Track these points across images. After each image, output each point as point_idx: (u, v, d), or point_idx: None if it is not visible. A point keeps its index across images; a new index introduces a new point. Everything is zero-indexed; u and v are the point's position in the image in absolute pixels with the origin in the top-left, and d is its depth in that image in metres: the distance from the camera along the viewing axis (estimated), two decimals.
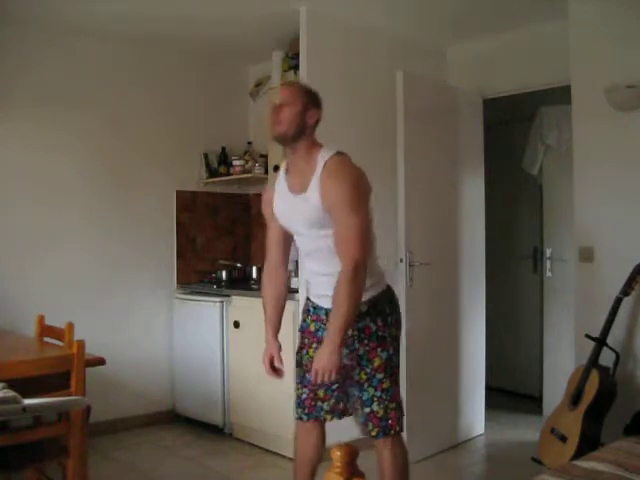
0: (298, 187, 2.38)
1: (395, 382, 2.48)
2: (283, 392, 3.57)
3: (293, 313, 3.77)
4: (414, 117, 3.78)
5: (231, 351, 4.29)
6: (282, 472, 3.68)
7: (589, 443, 3.08)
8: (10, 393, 2.03)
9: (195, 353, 4.49)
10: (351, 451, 1.43)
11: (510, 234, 5.43)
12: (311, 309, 2.58)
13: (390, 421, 2.43)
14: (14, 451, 2.45)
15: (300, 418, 2.58)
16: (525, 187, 5.25)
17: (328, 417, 2.55)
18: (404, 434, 2.54)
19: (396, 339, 2.52)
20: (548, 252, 4.82)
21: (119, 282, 4.46)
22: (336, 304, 2.26)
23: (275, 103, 2.38)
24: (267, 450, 4.03)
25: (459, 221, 4.22)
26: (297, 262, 3.81)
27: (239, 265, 4.92)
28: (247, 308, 4.07)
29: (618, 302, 3.27)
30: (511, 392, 5.27)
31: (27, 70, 4.04)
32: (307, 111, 2.36)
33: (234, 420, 4.30)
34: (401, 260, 3.71)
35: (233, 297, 4.27)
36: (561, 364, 4.34)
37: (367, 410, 2.43)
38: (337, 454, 1.42)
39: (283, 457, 3.89)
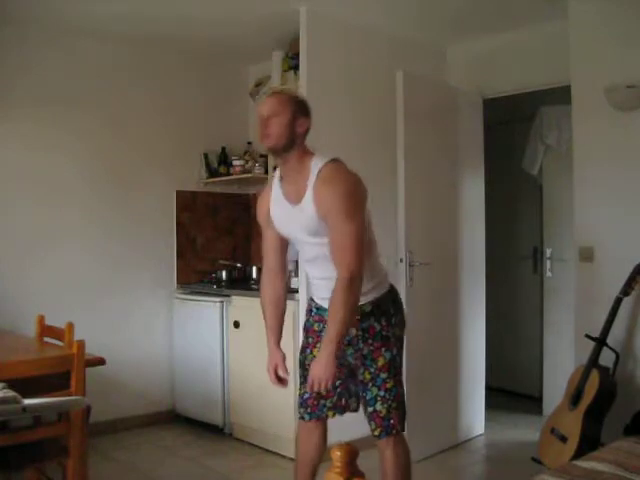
0: (293, 196, 2.36)
1: (399, 382, 2.49)
2: (283, 392, 3.55)
3: (293, 313, 3.77)
4: (414, 117, 3.78)
5: (231, 351, 4.29)
6: (282, 472, 3.68)
7: (589, 443, 3.08)
8: (10, 393, 2.04)
9: (195, 353, 4.49)
10: (351, 451, 1.43)
11: (510, 234, 5.42)
12: (314, 309, 2.59)
13: (392, 421, 2.44)
14: (14, 451, 2.45)
15: (302, 418, 2.58)
16: (525, 187, 5.25)
17: (330, 414, 2.56)
18: (404, 434, 2.54)
19: (400, 339, 2.52)
20: (548, 252, 4.82)
21: (119, 282, 4.46)
22: (331, 313, 2.26)
23: (263, 115, 2.32)
24: (267, 450, 4.03)
25: (459, 221, 4.22)
26: (297, 262, 3.81)
27: (239, 265, 4.92)
28: (247, 308, 4.07)
29: (618, 302, 3.27)
30: (511, 392, 5.27)
31: (27, 70, 4.04)
32: (296, 120, 2.31)
33: (234, 420, 4.30)
34: (401, 260, 3.72)
35: (233, 297, 4.28)
36: (561, 364, 4.35)
37: (370, 410, 2.45)
38: (337, 454, 1.42)
39: (283, 457, 3.89)
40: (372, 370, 2.44)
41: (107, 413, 4.20)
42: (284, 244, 2.54)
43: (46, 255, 4.13)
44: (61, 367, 2.56)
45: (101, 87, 4.36)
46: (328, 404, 2.53)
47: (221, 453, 4.04)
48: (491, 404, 4.53)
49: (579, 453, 2.92)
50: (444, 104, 4.11)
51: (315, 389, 2.28)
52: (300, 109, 2.34)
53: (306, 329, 2.63)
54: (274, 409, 3.91)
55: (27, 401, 2.06)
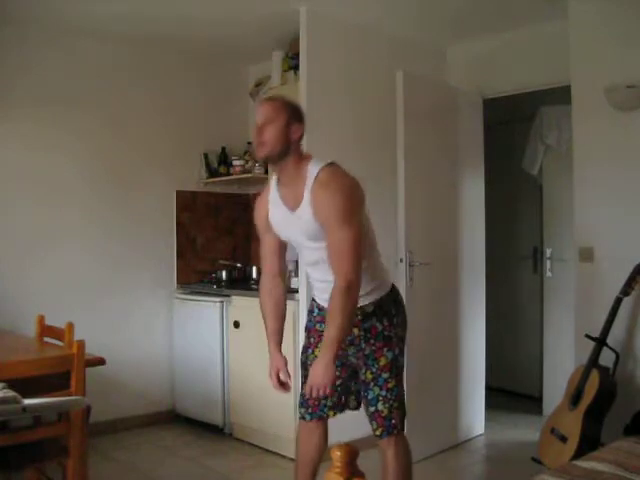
0: (291, 201, 2.35)
1: (400, 382, 2.50)
2: None
3: (293, 313, 3.77)
4: (414, 117, 3.78)
5: (231, 351, 4.29)
6: (282, 472, 3.68)
7: (589, 443, 3.08)
8: (10, 393, 2.04)
9: (195, 353, 4.49)
10: (351, 451, 1.43)
11: (510, 234, 5.43)
12: (316, 310, 2.59)
13: (394, 420, 2.45)
14: (14, 451, 2.45)
15: (303, 418, 2.59)
16: (525, 187, 5.25)
17: (331, 413, 2.57)
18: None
19: (402, 340, 2.53)
20: (548, 252, 4.82)
21: (119, 282, 4.46)
22: (329, 320, 2.26)
23: (257, 122, 2.30)
24: (267, 450, 4.03)
25: (459, 221, 4.22)
26: (297, 262, 3.81)
27: (239, 265, 4.92)
28: (247, 308, 4.07)
29: (618, 302, 3.27)
30: (511, 392, 5.27)
31: (27, 70, 4.04)
32: (290, 126, 2.30)
33: (234, 420, 4.30)
34: (401, 260, 3.71)
35: (233, 297, 4.28)
36: (561, 364, 4.35)
37: (372, 409, 2.46)
38: (337, 454, 1.42)
39: (283, 457, 3.89)
40: (374, 370, 2.44)
41: (107, 413, 4.20)
42: (282, 248, 2.54)
43: (46, 255, 4.13)
44: (61, 367, 2.56)
45: (101, 87, 4.36)
46: (329, 403, 2.54)
47: (221, 453, 4.04)
48: (491, 404, 4.53)
49: (579, 453, 2.92)
50: (444, 104, 4.11)
51: (314, 395, 2.29)
52: (294, 115, 2.33)
53: (308, 329, 2.63)
54: (274, 409, 3.91)
55: (27, 401, 2.06)
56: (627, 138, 3.43)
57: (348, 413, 2.65)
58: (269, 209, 2.45)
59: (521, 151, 4.97)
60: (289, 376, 2.51)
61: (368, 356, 2.45)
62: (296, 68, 4.15)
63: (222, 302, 4.33)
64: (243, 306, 4.16)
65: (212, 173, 4.85)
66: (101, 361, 2.81)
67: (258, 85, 4.97)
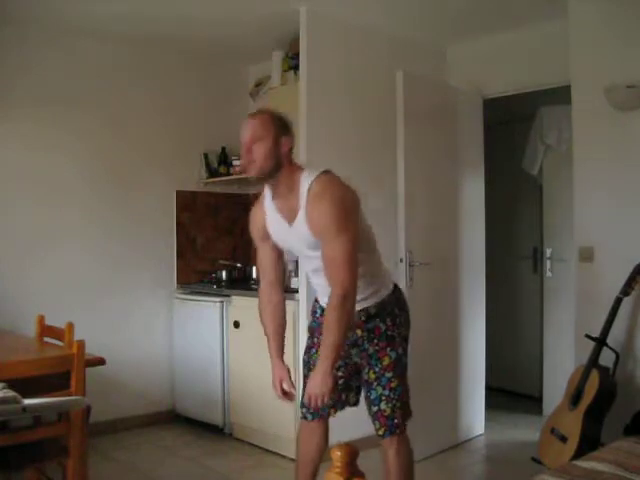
0: (287, 214, 2.34)
1: (403, 382, 2.50)
2: None
3: (293, 313, 3.77)
4: (414, 117, 3.78)
5: (231, 351, 4.29)
6: (282, 472, 3.68)
7: (589, 443, 3.08)
8: (10, 393, 2.04)
9: (195, 353, 4.49)
10: (351, 451, 1.43)
11: (510, 234, 5.43)
12: (318, 311, 2.59)
13: (396, 420, 2.46)
14: (14, 451, 2.45)
15: (305, 417, 2.59)
16: (525, 187, 5.25)
17: (332, 412, 2.58)
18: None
19: (405, 339, 2.54)
20: (548, 252, 4.82)
21: (119, 282, 4.46)
22: (326, 331, 2.26)
23: (245, 140, 2.26)
24: (267, 450, 4.03)
25: (459, 221, 4.22)
26: (297, 262, 3.81)
27: (239, 265, 4.92)
28: (247, 308, 4.07)
29: (618, 302, 3.27)
30: (511, 392, 5.27)
31: (27, 70, 4.04)
32: (279, 141, 2.26)
33: (234, 420, 4.30)
34: (401, 260, 3.71)
35: (233, 297, 4.27)
36: (561, 364, 4.34)
37: (375, 409, 2.47)
38: (337, 454, 1.42)
39: (283, 457, 3.89)
40: (377, 370, 2.45)
41: (107, 413, 4.20)
42: (280, 257, 2.53)
43: (46, 255, 4.13)
44: (61, 367, 2.56)
45: (101, 87, 4.36)
46: (330, 403, 2.54)
47: (221, 453, 4.04)
48: (491, 404, 4.53)
49: (579, 453, 2.92)
50: (444, 104, 4.11)
51: (313, 405, 2.31)
52: (282, 129, 2.29)
53: (311, 329, 2.63)
54: (274, 409, 3.91)
55: (27, 401, 2.06)
56: (627, 138, 3.43)
57: (348, 413, 2.66)
58: (266, 221, 2.43)
59: (521, 151, 4.97)
60: (293, 385, 2.51)
61: (371, 356, 2.46)
62: (296, 68, 4.15)
63: (222, 302, 4.33)
64: (243, 306, 4.16)
65: (212, 173, 4.85)
66: (101, 361, 2.80)
67: (258, 85, 4.97)
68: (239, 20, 4.03)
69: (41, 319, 3.18)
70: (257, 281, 4.50)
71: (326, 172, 2.33)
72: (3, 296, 3.90)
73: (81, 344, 2.56)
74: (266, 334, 2.55)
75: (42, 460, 2.67)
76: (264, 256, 2.52)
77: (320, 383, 2.25)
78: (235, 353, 4.26)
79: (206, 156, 4.86)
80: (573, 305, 3.74)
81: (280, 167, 2.28)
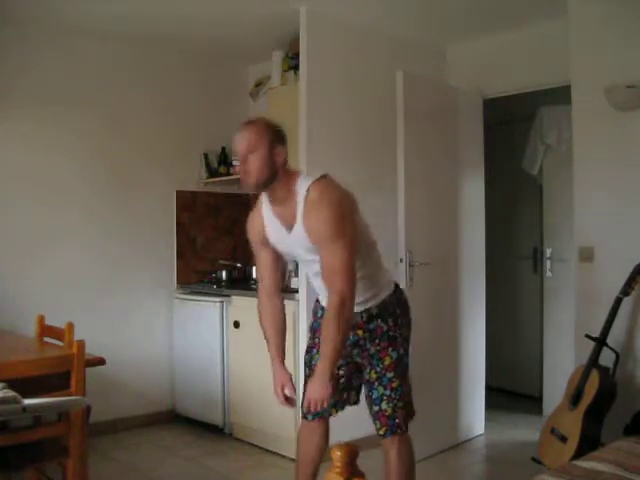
0: (286, 221, 2.34)
1: (405, 382, 2.51)
2: None
3: (293, 313, 3.77)
4: (414, 117, 3.78)
5: (231, 351, 4.29)
6: (282, 472, 3.68)
7: (589, 443, 3.08)
8: (10, 393, 2.04)
9: (195, 353, 4.49)
10: (351, 451, 1.43)
11: (510, 234, 5.43)
12: (320, 311, 2.59)
13: (397, 420, 2.46)
14: (14, 451, 2.45)
15: (305, 417, 2.59)
16: (525, 187, 5.25)
17: (333, 411, 2.58)
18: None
19: (407, 340, 2.54)
20: (548, 252, 4.82)
21: (119, 282, 4.46)
22: (324, 339, 2.28)
23: (238, 151, 2.25)
24: (267, 450, 4.03)
25: (459, 221, 4.22)
26: (297, 262, 3.81)
27: (239, 265, 4.92)
28: (247, 308, 4.07)
29: (618, 302, 3.27)
30: (511, 392, 5.27)
31: (27, 70, 4.04)
32: (274, 151, 2.25)
33: (234, 420, 4.30)
34: (401, 260, 3.71)
35: (233, 297, 4.27)
36: (561, 364, 4.34)
37: (376, 409, 2.47)
38: (337, 454, 1.42)
39: (283, 457, 3.89)
40: (378, 369, 2.46)
41: (107, 413, 4.20)
42: (278, 261, 2.53)
43: (46, 255, 4.13)
44: (61, 367, 2.56)
45: (101, 87, 4.36)
46: (331, 402, 2.54)
47: (221, 453, 4.04)
48: (491, 404, 4.53)
49: (579, 453, 2.92)
50: (444, 104, 4.11)
51: (312, 410, 2.33)
52: (276, 138, 2.27)
53: (313, 329, 2.63)
54: (274, 409, 3.88)
55: (27, 401, 2.06)
56: (627, 138, 3.43)
57: (349, 413, 2.66)
58: (265, 227, 2.42)
59: (521, 151, 4.97)
60: (294, 390, 2.51)
61: (373, 356, 2.46)
62: (296, 68, 4.15)
63: (222, 302, 4.33)
64: (243, 306, 4.16)
65: (212, 173, 4.85)
66: (101, 361, 2.81)
67: (258, 85, 4.97)
68: (239, 20, 4.03)
69: (41, 319, 3.18)
70: (257, 281, 4.52)
71: (323, 177, 2.32)
72: (3, 296, 3.90)
73: (81, 344, 2.56)
74: (266, 338, 2.54)
75: (42, 460, 2.67)
76: (262, 261, 2.52)
77: (319, 389, 2.27)
78: (235, 353, 4.26)
79: (206, 156, 4.86)
80: (573, 305, 3.74)
81: (276, 176, 2.27)
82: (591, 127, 3.58)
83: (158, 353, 4.65)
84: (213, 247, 4.95)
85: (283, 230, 2.36)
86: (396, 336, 2.48)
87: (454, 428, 4.16)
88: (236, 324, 4.21)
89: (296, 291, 3.86)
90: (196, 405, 4.50)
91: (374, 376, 2.47)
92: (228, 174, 4.78)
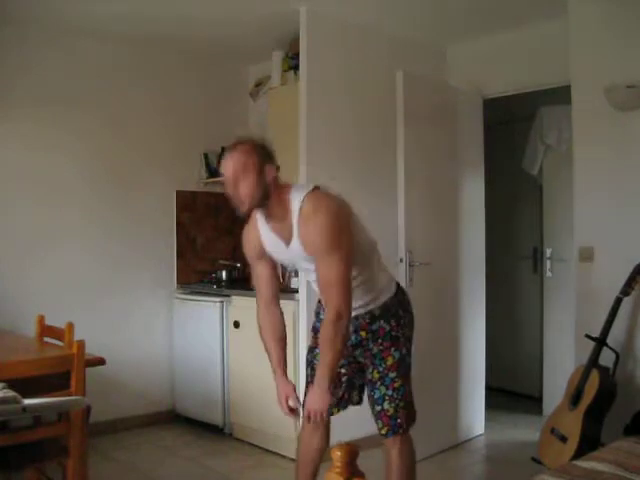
0: (283, 235, 2.33)
1: (407, 382, 2.51)
2: None
3: (293, 313, 3.77)
4: (414, 117, 3.78)
5: (231, 351, 4.29)
6: (282, 472, 3.68)
7: (589, 443, 3.08)
8: (10, 393, 2.04)
9: (195, 353, 4.49)
10: (351, 451, 1.43)
11: (510, 234, 5.43)
12: (321, 312, 2.59)
13: (399, 420, 2.46)
14: (14, 451, 2.45)
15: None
16: (525, 187, 5.25)
17: (335, 411, 2.58)
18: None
19: (409, 340, 2.55)
20: (548, 252, 4.82)
21: (119, 282, 4.46)
22: (321, 352, 2.31)
23: (227, 176, 2.22)
24: (267, 450, 4.03)
25: (459, 221, 4.22)
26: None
27: (239, 265, 4.91)
28: (247, 308, 4.06)
29: (618, 302, 3.27)
30: (511, 392, 5.27)
31: (27, 70, 4.04)
32: (263, 171, 2.22)
33: (234, 420, 4.30)
34: (401, 260, 3.71)
35: (233, 297, 4.27)
36: (561, 364, 4.34)
37: (378, 408, 2.47)
38: (337, 454, 1.42)
39: (283, 457, 3.89)
40: (381, 369, 2.46)
41: (107, 413, 4.20)
42: (274, 272, 2.53)
43: (46, 255, 4.13)
44: (61, 367, 2.56)
45: (101, 87, 4.36)
46: (333, 401, 2.54)
47: (221, 453, 4.04)
48: (491, 404, 4.53)
49: (579, 453, 2.92)
50: (444, 104, 4.11)
51: (312, 420, 2.34)
52: (263, 157, 2.25)
53: (315, 330, 2.63)
54: (274, 409, 3.87)
55: (27, 401, 2.06)
56: (627, 138, 3.43)
57: (350, 413, 2.66)
58: (262, 240, 2.42)
59: (521, 151, 4.97)
60: (299, 401, 2.50)
61: (375, 355, 2.47)
62: (296, 68, 4.15)
63: (222, 302, 4.33)
64: (243, 306, 4.16)
65: (212, 173, 4.84)
66: (101, 361, 2.80)
67: (258, 85, 4.97)
68: (239, 20, 4.03)
69: (41, 319, 3.18)
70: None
71: (315, 188, 2.32)
72: (3, 296, 3.90)
73: (81, 344, 2.56)
74: (267, 351, 2.54)
75: (42, 460, 2.67)
76: (259, 274, 2.51)
77: (318, 399, 2.30)
78: (235, 353, 4.26)
79: (206, 156, 4.86)
80: (573, 305, 3.74)
81: (269, 195, 2.26)
82: (591, 127, 3.58)
83: (158, 353, 4.65)
84: (213, 247, 4.95)
85: (281, 244, 2.36)
86: (399, 336, 2.48)
87: (454, 428, 4.16)
88: (236, 324, 4.21)
89: (296, 291, 3.86)
90: (196, 405, 4.50)
91: (376, 376, 2.47)
92: None
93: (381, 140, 4.08)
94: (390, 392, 2.45)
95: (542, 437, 3.43)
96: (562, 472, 1.99)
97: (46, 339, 3.13)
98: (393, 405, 2.45)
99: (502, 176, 5.17)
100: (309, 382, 2.58)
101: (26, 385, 2.28)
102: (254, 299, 2.66)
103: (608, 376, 3.25)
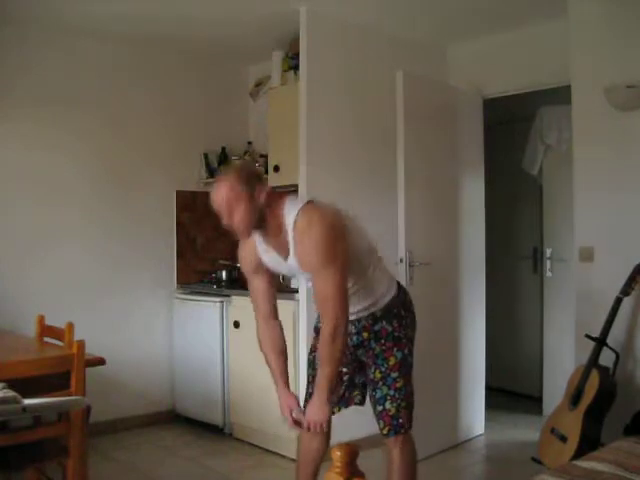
0: (280, 250, 2.34)
1: (409, 382, 2.52)
2: None
3: (293, 313, 3.78)
4: (414, 117, 3.78)
5: (231, 351, 4.29)
6: (282, 472, 3.68)
7: (589, 443, 3.08)
8: (10, 393, 2.03)
9: (195, 353, 4.49)
10: (351, 451, 1.43)
11: (510, 234, 5.42)
12: None
13: (401, 420, 2.47)
14: (14, 451, 2.45)
15: None
16: (525, 187, 5.25)
17: (336, 409, 2.58)
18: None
19: (411, 340, 2.55)
20: (548, 252, 4.82)
21: (119, 282, 4.46)
22: (320, 364, 2.33)
23: (221, 209, 2.24)
24: (267, 450, 4.03)
25: (459, 221, 4.22)
26: None
27: (239, 265, 4.90)
28: (247, 308, 4.00)
29: (618, 302, 3.27)
30: (511, 392, 5.27)
31: (27, 70, 4.04)
32: (253, 196, 2.23)
33: (234, 420, 4.30)
34: (401, 260, 3.71)
35: (233, 297, 4.27)
36: (561, 364, 4.34)
37: (380, 408, 2.48)
38: (337, 454, 1.42)
39: (283, 457, 3.89)
40: (383, 369, 2.47)
41: (107, 413, 4.19)
42: (272, 287, 2.54)
43: (46, 255, 4.13)
44: (61, 367, 2.56)
45: (101, 87, 4.36)
46: (334, 400, 2.54)
47: (221, 453, 4.04)
48: (491, 404, 4.53)
49: (579, 453, 2.92)
50: (444, 104, 4.11)
51: (312, 430, 2.36)
52: (251, 183, 2.24)
53: (317, 330, 2.63)
54: (274, 409, 3.87)
55: (27, 401, 2.05)
56: (627, 138, 3.43)
57: (350, 413, 2.66)
58: (261, 257, 2.43)
59: (521, 151, 4.97)
60: (302, 412, 2.48)
61: (378, 355, 2.47)
62: (296, 68, 4.15)
63: (222, 302, 4.33)
64: (243, 306, 4.15)
65: (212, 173, 4.84)
66: (101, 361, 2.80)
67: (258, 85, 4.97)
68: (239, 20, 4.03)
69: (41, 319, 3.18)
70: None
71: (308, 202, 2.32)
72: (3, 296, 3.90)
73: (81, 344, 2.56)
74: (268, 364, 2.54)
75: (42, 460, 2.67)
76: (256, 288, 2.52)
77: (318, 411, 2.32)
78: (235, 353, 4.26)
79: (206, 156, 4.86)
80: (573, 305, 3.74)
81: (264, 216, 2.28)
82: (591, 127, 3.58)
83: (158, 353, 4.65)
84: (213, 247, 4.95)
85: (279, 258, 2.38)
86: (401, 337, 2.49)
87: (454, 428, 4.16)
88: (236, 324, 4.21)
89: (296, 291, 3.86)
90: (196, 405, 4.50)
91: (379, 376, 2.47)
92: None
93: (381, 140, 4.08)
94: (392, 392, 2.46)
95: (542, 437, 3.43)
96: (562, 472, 1.99)
97: (46, 339, 3.12)
98: (395, 405, 2.46)
99: (502, 176, 5.17)
100: (310, 382, 2.58)
101: (26, 385, 2.28)
102: None
103: (608, 376, 3.26)
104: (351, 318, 2.40)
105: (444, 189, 4.13)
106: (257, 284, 2.51)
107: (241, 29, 4.21)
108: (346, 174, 3.97)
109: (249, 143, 4.92)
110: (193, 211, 4.84)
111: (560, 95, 3.92)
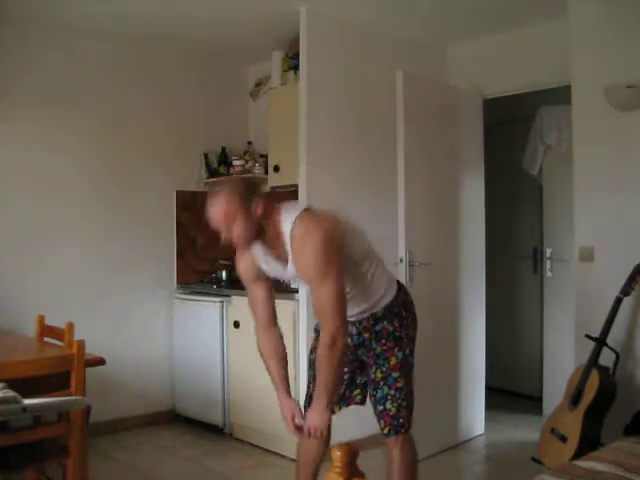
0: (279, 258, 2.35)
1: (409, 382, 2.52)
2: None
3: (293, 313, 3.78)
4: (414, 117, 3.78)
5: (231, 351, 4.29)
6: (282, 472, 3.68)
7: (589, 443, 3.08)
8: (10, 393, 2.03)
9: (195, 353, 4.49)
10: (351, 451, 1.43)
11: (510, 234, 5.43)
12: None
13: (402, 419, 2.47)
14: (14, 451, 2.46)
15: None
16: (525, 187, 5.25)
17: (336, 408, 2.58)
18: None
19: (412, 340, 2.55)
20: (548, 252, 4.82)
21: (119, 282, 4.46)
22: (319, 374, 2.32)
23: (218, 223, 2.24)
24: (267, 450, 4.03)
25: (459, 221, 4.22)
26: None
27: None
28: (247, 308, 4.05)
29: (618, 302, 3.27)
30: (511, 392, 5.27)
31: (27, 70, 4.04)
32: (249, 209, 2.23)
33: (234, 420, 4.30)
34: (401, 260, 3.71)
35: (233, 297, 4.27)
36: (561, 364, 4.34)
37: (380, 408, 2.48)
38: (337, 454, 1.42)
39: (283, 457, 3.89)
40: (384, 369, 2.47)
41: (107, 413, 4.20)
42: (271, 295, 2.53)
43: (46, 255, 4.13)
44: (61, 367, 2.56)
45: (101, 87, 4.36)
46: (335, 399, 2.54)
47: (221, 453, 4.04)
48: (491, 404, 4.53)
49: (579, 453, 2.92)
50: (444, 104, 4.11)
51: (312, 436, 2.36)
52: (247, 197, 2.24)
53: (317, 330, 2.63)
54: (274, 409, 3.88)
55: (27, 401, 2.05)
56: (627, 138, 3.43)
57: (350, 414, 2.66)
58: (260, 265, 2.43)
59: (521, 151, 4.97)
60: (303, 418, 2.48)
61: (379, 355, 2.48)
62: (296, 68, 4.15)
63: (222, 302, 4.33)
64: (243, 306, 4.15)
65: (212, 173, 4.85)
66: (101, 361, 2.80)
67: (258, 85, 4.97)
68: (239, 20, 4.03)
69: (41, 319, 3.18)
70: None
71: (305, 210, 2.32)
72: (3, 296, 3.90)
73: (81, 344, 2.56)
74: (268, 371, 2.54)
75: (42, 460, 2.67)
76: (255, 296, 2.53)
77: (318, 417, 2.32)
78: (235, 353, 4.26)
79: (206, 156, 4.86)
80: (573, 305, 3.74)
81: (263, 227, 2.29)
82: (591, 127, 3.58)
83: (158, 353, 4.65)
84: (213, 247, 4.93)
85: (279, 266, 2.38)
86: (402, 337, 2.49)
87: (454, 428, 4.16)
88: (236, 324, 4.21)
89: (296, 291, 3.85)
90: (196, 405, 4.50)
91: (379, 375, 2.48)
92: (228, 174, 4.77)
93: (381, 140, 4.08)
94: (393, 392, 2.46)
95: (542, 437, 3.43)
96: (562, 472, 1.99)
97: (46, 339, 3.13)
98: (395, 405, 2.46)
99: (502, 176, 5.17)
100: (310, 382, 2.58)
101: (26, 385, 2.28)
102: None
103: (608, 376, 3.26)
104: (351, 320, 2.40)
105: (444, 189, 4.13)
106: (257, 291, 2.51)
107: (241, 29, 4.21)
108: (346, 174, 3.97)
109: (249, 143, 4.92)
110: (193, 211, 4.83)
111: (560, 95, 3.92)
